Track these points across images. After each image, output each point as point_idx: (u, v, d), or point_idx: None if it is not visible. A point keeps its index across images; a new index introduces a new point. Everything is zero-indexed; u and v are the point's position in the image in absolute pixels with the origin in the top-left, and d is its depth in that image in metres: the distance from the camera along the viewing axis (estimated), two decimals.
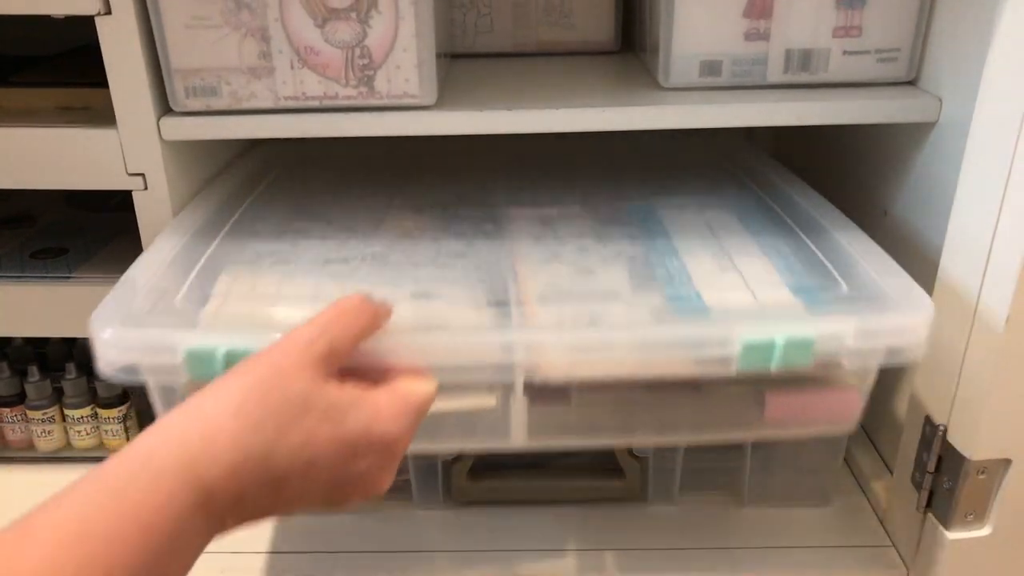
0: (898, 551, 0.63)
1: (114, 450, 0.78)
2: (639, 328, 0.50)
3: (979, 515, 0.56)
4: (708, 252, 0.60)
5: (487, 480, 0.69)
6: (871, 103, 0.62)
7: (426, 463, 0.68)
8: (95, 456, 0.75)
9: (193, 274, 0.56)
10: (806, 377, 0.52)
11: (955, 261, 0.55)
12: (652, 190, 0.71)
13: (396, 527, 0.67)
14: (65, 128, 0.62)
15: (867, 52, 0.64)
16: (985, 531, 0.56)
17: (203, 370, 0.46)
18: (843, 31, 0.63)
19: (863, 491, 0.70)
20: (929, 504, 0.58)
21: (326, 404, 0.39)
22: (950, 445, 0.55)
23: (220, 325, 0.51)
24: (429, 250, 0.61)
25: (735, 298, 0.53)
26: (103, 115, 0.62)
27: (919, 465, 0.59)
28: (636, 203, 0.69)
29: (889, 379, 0.70)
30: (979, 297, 0.52)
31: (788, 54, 0.64)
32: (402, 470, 0.68)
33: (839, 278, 0.54)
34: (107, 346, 0.48)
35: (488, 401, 0.52)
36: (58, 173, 0.63)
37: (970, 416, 0.53)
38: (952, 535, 0.57)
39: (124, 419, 0.74)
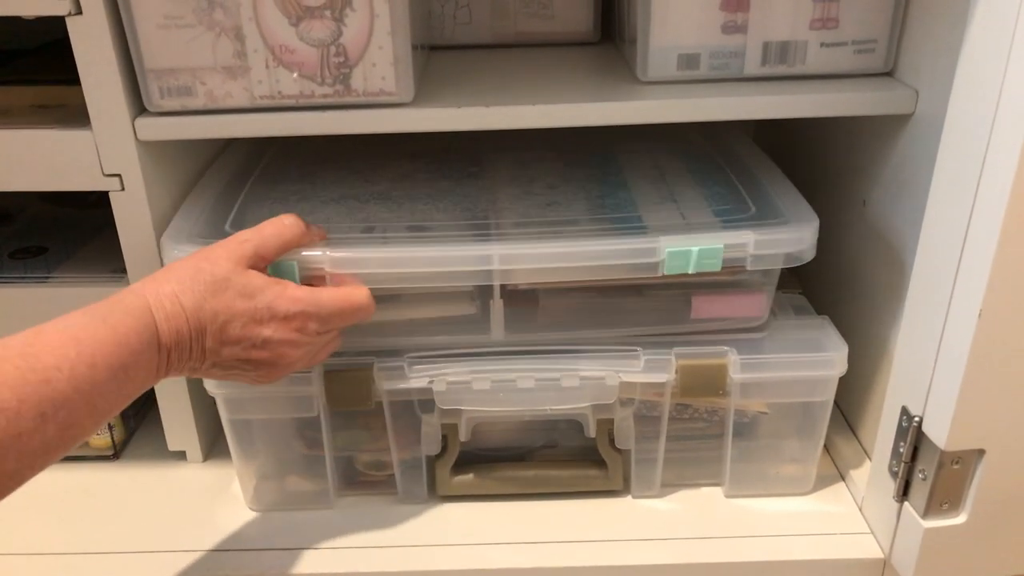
0: (876, 538, 0.64)
1: (97, 447, 0.77)
2: (588, 241, 0.61)
3: (954, 504, 0.57)
4: (653, 188, 0.71)
5: (470, 474, 0.69)
6: (848, 96, 0.63)
7: (410, 458, 0.68)
8: (77, 455, 0.75)
9: (236, 206, 0.69)
10: (723, 283, 0.65)
11: (930, 253, 0.55)
12: (615, 140, 0.81)
13: (380, 521, 0.68)
14: (40, 129, 0.61)
15: (844, 44, 0.64)
16: (960, 519, 0.57)
17: None
18: (820, 23, 0.63)
19: (843, 480, 0.71)
20: (905, 493, 0.59)
21: (243, 284, 0.54)
22: (925, 436, 0.56)
23: None
24: (423, 188, 0.72)
25: (668, 220, 0.65)
26: (79, 113, 0.61)
27: (896, 455, 0.59)
28: (600, 150, 0.80)
29: (871, 370, 0.71)
30: (953, 289, 0.53)
31: (766, 47, 0.64)
32: (386, 465, 0.69)
33: (751, 204, 0.67)
34: (175, 259, 0.60)
35: (468, 308, 0.65)
36: (34, 175, 0.62)
37: (944, 407, 0.54)
38: (928, 523, 0.57)
39: None
